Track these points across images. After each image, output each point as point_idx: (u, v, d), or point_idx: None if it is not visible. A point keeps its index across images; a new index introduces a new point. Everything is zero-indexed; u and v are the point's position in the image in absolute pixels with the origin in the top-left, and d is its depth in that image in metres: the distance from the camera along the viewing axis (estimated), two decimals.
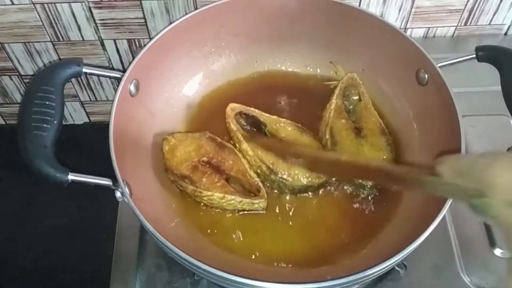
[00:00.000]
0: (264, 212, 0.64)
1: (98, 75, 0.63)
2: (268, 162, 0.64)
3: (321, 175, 0.64)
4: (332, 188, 0.66)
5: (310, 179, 0.64)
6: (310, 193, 0.65)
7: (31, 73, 0.95)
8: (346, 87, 0.72)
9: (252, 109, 0.69)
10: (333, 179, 0.66)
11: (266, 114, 0.69)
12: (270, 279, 0.49)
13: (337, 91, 0.71)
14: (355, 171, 0.54)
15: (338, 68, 0.74)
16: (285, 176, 0.63)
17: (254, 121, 0.69)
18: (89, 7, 0.82)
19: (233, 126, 0.67)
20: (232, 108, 0.69)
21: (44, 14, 0.83)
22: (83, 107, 1.05)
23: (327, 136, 0.67)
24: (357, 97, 0.71)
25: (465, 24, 0.88)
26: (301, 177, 0.64)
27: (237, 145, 0.67)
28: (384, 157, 0.66)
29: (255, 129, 0.68)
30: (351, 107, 0.71)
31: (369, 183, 0.65)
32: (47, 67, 0.61)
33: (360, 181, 0.65)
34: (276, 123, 0.68)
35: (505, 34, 0.91)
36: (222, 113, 0.70)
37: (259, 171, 0.65)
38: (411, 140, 0.68)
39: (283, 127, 0.68)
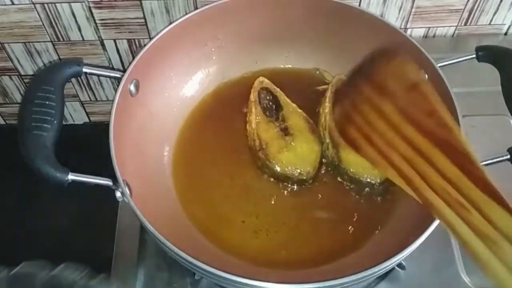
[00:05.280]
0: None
1: (98, 75, 0.63)
2: (262, 141, 0.66)
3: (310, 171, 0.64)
4: (329, 186, 0.66)
5: (291, 171, 0.64)
6: (290, 184, 0.66)
7: (31, 73, 0.95)
8: (336, 89, 0.72)
9: (277, 89, 0.71)
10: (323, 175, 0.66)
11: (288, 100, 0.71)
12: (269, 279, 0.49)
13: (328, 94, 0.71)
14: None
15: (325, 75, 0.75)
16: (270, 159, 0.65)
17: (275, 101, 0.71)
18: (89, 7, 0.82)
19: (252, 96, 0.70)
20: (261, 81, 0.72)
21: (44, 14, 0.83)
22: (83, 107, 1.05)
23: (328, 140, 0.67)
24: None
25: (465, 24, 0.88)
26: (284, 166, 0.65)
27: (247, 114, 0.69)
28: None
29: (273, 106, 0.71)
30: None
31: (378, 181, 0.64)
32: (47, 67, 0.61)
33: (368, 180, 0.64)
34: (293, 111, 0.70)
35: (505, 34, 0.91)
36: (222, 112, 0.70)
37: (251, 143, 0.67)
38: None
39: (296, 117, 0.69)
